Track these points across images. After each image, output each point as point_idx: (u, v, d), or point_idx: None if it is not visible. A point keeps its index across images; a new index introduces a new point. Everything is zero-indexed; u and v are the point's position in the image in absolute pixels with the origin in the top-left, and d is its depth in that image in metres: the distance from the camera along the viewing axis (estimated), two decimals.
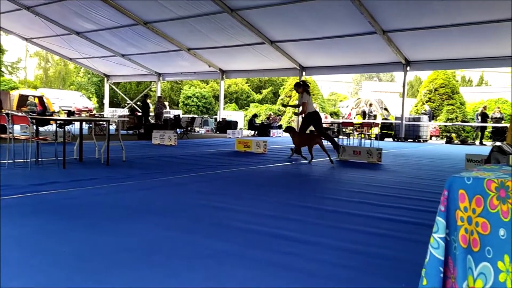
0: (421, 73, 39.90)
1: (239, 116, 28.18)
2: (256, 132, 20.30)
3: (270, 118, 22.14)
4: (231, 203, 4.63)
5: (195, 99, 34.14)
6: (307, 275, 2.57)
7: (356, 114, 22.80)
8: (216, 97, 32.31)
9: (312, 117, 9.64)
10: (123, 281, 2.40)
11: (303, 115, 9.72)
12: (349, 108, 26.81)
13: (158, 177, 6.41)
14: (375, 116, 21.77)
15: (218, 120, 23.28)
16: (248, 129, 21.60)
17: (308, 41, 16.82)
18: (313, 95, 29.71)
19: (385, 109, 27.07)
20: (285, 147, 13.17)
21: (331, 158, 8.93)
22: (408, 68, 17.45)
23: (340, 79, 67.75)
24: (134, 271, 2.55)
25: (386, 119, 23.34)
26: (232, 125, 21.84)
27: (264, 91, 37.63)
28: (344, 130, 16.02)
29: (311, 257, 2.88)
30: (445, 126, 21.82)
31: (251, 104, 34.18)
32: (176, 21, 16.66)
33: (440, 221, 1.66)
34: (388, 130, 20.02)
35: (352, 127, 14.99)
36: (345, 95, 55.01)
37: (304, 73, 20.34)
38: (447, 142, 18.70)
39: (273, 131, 20.11)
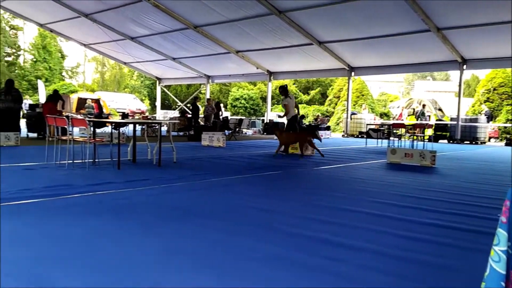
0: (479, 71, 38.03)
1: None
2: None
3: (318, 119, 21.91)
4: (279, 205, 4.63)
5: (243, 101, 34.46)
6: (356, 282, 2.52)
7: (408, 115, 22.05)
8: (264, 99, 32.44)
9: (294, 120, 10.85)
10: (176, 283, 2.46)
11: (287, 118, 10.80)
12: (400, 109, 25.99)
13: (207, 178, 6.52)
14: (428, 117, 20.98)
15: (265, 121, 23.36)
16: None
17: (357, 41, 16.51)
18: (363, 95, 29.13)
19: (439, 109, 26.01)
20: (334, 149, 12.99)
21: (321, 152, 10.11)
22: (465, 66, 16.67)
23: (391, 79, 65.93)
24: (185, 273, 2.61)
25: (440, 120, 22.42)
26: (280, 126, 21.80)
27: (312, 92, 37.34)
28: (395, 131, 15.56)
29: (362, 264, 2.82)
30: (505, 127, 20.63)
31: (299, 105, 34.04)
32: (225, 24, 16.90)
33: (501, 233, 1.57)
34: (443, 131, 19.21)
35: (404, 129, 14.52)
36: (396, 95, 53.42)
37: (353, 73, 19.98)
38: (507, 144, 17.68)
39: (321, 133, 19.88)
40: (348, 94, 21.35)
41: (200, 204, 4.67)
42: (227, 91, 38.23)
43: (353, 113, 21.87)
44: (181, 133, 18.25)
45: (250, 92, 35.63)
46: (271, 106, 26.26)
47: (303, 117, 21.86)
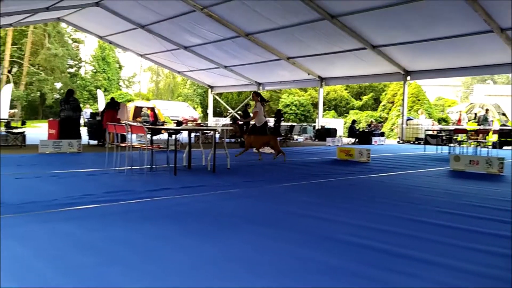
0: None
1: (338, 124, 27.64)
2: (357, 140, 19.69)
3: (372, 125, 21.31)
4: (337, 214, 4.46)
5: (293, 107, 34.29)
6: None
7: (468, 120, 20.91)
8: (315, 105, 32.07)
9: (265, 125, 11.18)
10: None
11: (256, 125, 10.88)
12: (457, 114, 24.72)
13: (261, 185, 6.46)
14: (491, 122, 19.78)
15: (317, 127, 23.07)
16: (348, 136, 21.05)
17: (413, 44, 15.90)
18: (418, 100, 28.07)
19: (503, 114, 24.50)
20: (390, 156, 12.53)
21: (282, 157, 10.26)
22: None
23: (448, 82, 63.07)
24: (243, 281, 2.53)
25: (504, 125, 21.09)
26: (331, 132, 21.46)
27: (365, 98, 36.48)
28: (455, 137, 14.77)
29: (432, 279, 2.61)
30: None
31: (351, 111, 33.36)
32: (276, 31, 16.91)
33: None
34: (508, 137, 18.03)
35: (466, 134, 13.74)
36: (453, 99, 51.06)
37: (408, 77, 19.28)
38: None
39: (375, 139, 19.31)
40: (403, 99, 20.63)
41: (256, 212, 4.60)
42: (277, 97, 38.22)
43: (409, 119, 21.07)
44: (232, 140, 18.39)
45: (301, 98, 35.39)
46: (323, 112, 25.91)
47: (354, 122, 21.37)
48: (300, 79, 22.71)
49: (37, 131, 21.00)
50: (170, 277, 2.57)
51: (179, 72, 27.44)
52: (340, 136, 21.42)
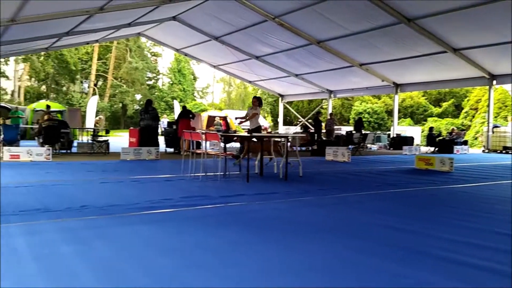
0: None
1: (415, 132, 26.38)
2: (437, 149, 18.61)
3: (453, 133, 20.05)
4: (420, 226, 4.19)
5: (366, 115, 33.34)
6: None
7: None
8: (389, 112, 30.96)
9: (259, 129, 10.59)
10: None
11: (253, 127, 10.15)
12: None
13: (334, 193, 6.28)
14: None
15: (392, 136, 22.18)
16: (427, 145, 19.97)
17: (499, 46, 14.73)
18: (506, 106, 25.99)
19: None
20: (474, 166, 11.66)
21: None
22: None
23: None
24: None
25: None
26: (408, 141, 20.48)
27: (444, 104, 34.50)
28: None
29: None
30: None
31: (429, 119, 31.70)
32: (348, 38, 16.56)
33: None
34: None
35: None
36: None
37: (494, 81, 17.92)
38: None
39: (457, 148, 18.12)
40: (488, 105, 19.17)
41: (331, 220, 4.46)
42: (349, 105, 37.45)
43: (495, 126, 19.52)
44: (303, 148, 18.25)
45: (375, 106, 34.34)
46: (398, 120, 24.89)
47: (431, 129, 20.25)
48: (373, 85, 22.03)
49: (119, 140, 22.37)
50: (249, 283, 2.54)
51: (250, 82, 27.88)
52: (417, 145, 20.37)
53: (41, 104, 24.53)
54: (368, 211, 5.03)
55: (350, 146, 17.40)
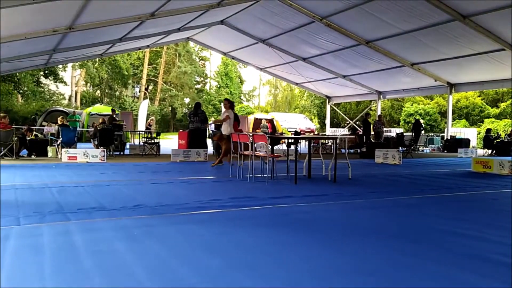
0: None
1: (470, 134, 25.15)
2: (494, 152, 17.63)
3: None
4: (478, 230, 3.95)
5: (418, 117, 32.19)
6: None
7: None
8: (443, 113, 29.72)
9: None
10: None
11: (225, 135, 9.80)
12: None
13: (385, 196, 6.08)
14: None
15: (445, 138, 21.27)
16: (484, 147, 18.98)
17: None
18: None
19: None
20: None
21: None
22: None
23: None
24: None
25: None
26: (463, 143, 19.56)
27: (502, 105, 32.66)
28: None
29: None
30: None
31: (486, 120, 30.12)
32: (399, 37, 16.04)
33: None
34: None
35: None
36: None
37: None
38: None
39: None
40: None
41: (384, 224, 4.30)
42: (399, 106, 36.34)
43: None
44: (351, 150, 17.90)
45: (427, 107, 33.11)
46: (452, 121, 23.85)
47: (489, 131, 19.21)
48: (425, 86, 21.20)
49: (169, 142, 22.97)
50: (297, 284, 2.49)
51: (297, 84, 27.70)
52: (473, 147, 19.41)
53: (96, 108, 25.70)
54: (423, 214, 4.82)
55: (401, 148, 16.88)
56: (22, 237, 3.41)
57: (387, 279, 2.61)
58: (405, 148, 16.95)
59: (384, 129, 20.42)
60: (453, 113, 24.67)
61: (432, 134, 24.84)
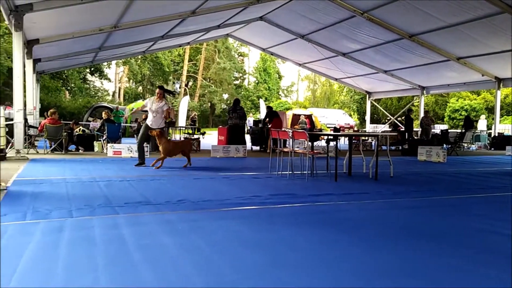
0: None
1: None
2: None
3: None
4: None
5: (463, 112, 31.05)
6: None
7: None
8: (490, 109, 28.49)
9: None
10: None
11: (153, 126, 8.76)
12: None
13: (429, 195, 5.94)
14: None
15: (493, 135, 20.41)
16: None
17: None
18: None
19: None
20: None
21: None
22: None
23: None
24: None
25: None
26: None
27: None
28: None
29: None
30: None
31: None
32: (444, 30, 15.51)
33: None
34: None
35: None
36: None
37: None
38: None
39: None
40: None
41: (429, 224, 4.21)
42: (444, 102, 35.16)
43: None
44: (393, 147, 17.51)
45: (473, 103, 31.85)
46: (500, 117, 22.82)
47: None
48: (471, 81, 20.41)
49: (208, 138, 23.31)
50: (340, 283, 2.50)
51: (336, 79, 27.37)
52: None
53: (138, 104, 26.42)
54: (470, 214, 4.68)
55: (445, 146, 16.35)
56: (75, 229, 3.59)
57: (431, 281, 2.57)
58: (449, 146, 16.40)
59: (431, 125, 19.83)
60: (501, 109, 23.59)
61: (479, 131, 23.90)
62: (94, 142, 12.92)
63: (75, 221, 3.88)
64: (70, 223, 3.79)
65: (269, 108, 15.87)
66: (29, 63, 12.47)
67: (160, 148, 8.52)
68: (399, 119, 26.28)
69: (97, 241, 3.25)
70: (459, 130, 21.29)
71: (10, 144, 10.72)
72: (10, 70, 20.88)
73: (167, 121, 9.17)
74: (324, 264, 2.86)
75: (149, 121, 8.76)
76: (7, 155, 9.87)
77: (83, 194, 5.30)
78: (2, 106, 9.99)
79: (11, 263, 2.69)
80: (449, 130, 17.93)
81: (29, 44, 12.57)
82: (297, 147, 13.92)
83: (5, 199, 4.89)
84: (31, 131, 12.25)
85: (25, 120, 11.38)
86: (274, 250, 3.16)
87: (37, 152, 11.55)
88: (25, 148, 11.09)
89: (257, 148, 15.43)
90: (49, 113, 11.93)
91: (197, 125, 19.41)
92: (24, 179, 6.51)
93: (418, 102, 24.93)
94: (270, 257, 2.99)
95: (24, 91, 10.74)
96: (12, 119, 10.69)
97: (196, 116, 20.82)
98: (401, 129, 18.70)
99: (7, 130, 11.04)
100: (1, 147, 9.62)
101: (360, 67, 22.19)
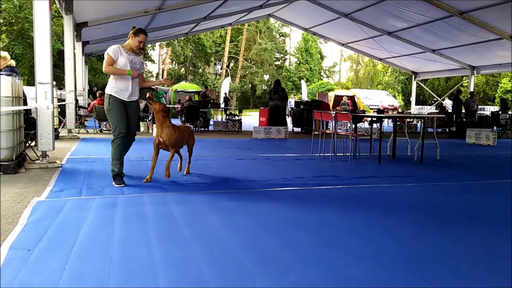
0: None
1: None
2: None
3: None
4: None
5: None
6: None
7: None
8: None
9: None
10: None
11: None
12: None
13: (479, 179, 5.75)
14: None
15: None
16: None
17: None
18: None
19: None
20: None
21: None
22: None
23: None
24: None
25: None
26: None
27: None
28: None
29: None
30: None
31: None
32: (497, 7, 14.63)
33: None
34: None
35: None
36: None
37: None
38: None
39: None
40: None
41: (478, 209, 4.10)
42: (495, 82, 33.44)
43: None
44: (439, 130, 16.95)
45: None
46: None
47: None
48: None
49: (249, 119, 23.43)
50: (387, 265, 2.50)
51: (380, 59, 26.58)
52: None
53: (182, 85, 26.88)
54: None
55: (495, 128, 15.64)
56: (127, 205, 3.77)
57: (482, 266, 2.53)
58: (500, 128, 15.68)
59: (478, 106, 19.01)
60: None
61: None
62: (140, 122, 13.32)
63: (127, 198, 4.07)
64: (122, 200, 3.98)
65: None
66: (78, 46, 12.93)
67: (163, 136, 4.99)
68: (446, 100, 25.30)
69: (148, 217, 3.41)
70: (510, 112, 20.27)
71: (62, 124, 11.25)
72: (60, 53, 21.76)
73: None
74: (371, 246, 2.86)
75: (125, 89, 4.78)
76: (60, 134, 10.38)
77: (133, 172, 5.52)
78: (55, 88, 10.48)
79: (72, 235, 2.88)
80: (500, 113, 17.07)
81: (78, 27, 13.01)
82: (340, 129, 13.76)
83: (61, 175, 5.18)
84: (81, 112, 12.78)
85: (76, 101, 11.88)
86: (320, 230, 3.19)
87: (87, 131, 12.07)
88: (76, 127, 11.61)
89: (299, 129, 15.37)
90: (97, 94, 12.38)
91: (231, 105, 19.45)
92: (77, 157, 6.85)
93: (467, 82, 23.86)
94: (317, 237, 3.03)
95: (75, 73, 11.18)
96: (64, 100, 11.20)
97: (228, 96, 20.70)
98: (449, 111, 18.04)
99: (59, 110, 11.59)
100: (55, 126, 10.12)
101: (406, 47, 21.41)
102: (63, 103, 11.21)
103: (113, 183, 4.67)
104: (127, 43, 4.83)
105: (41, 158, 5.90)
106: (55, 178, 4.99)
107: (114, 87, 4.72)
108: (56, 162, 6.01)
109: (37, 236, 2.85)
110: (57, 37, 22.94)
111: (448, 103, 22.38)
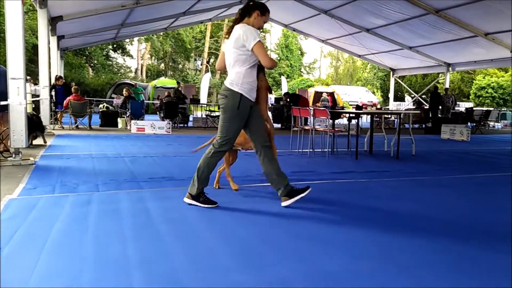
0: None
1: None
2: None
3: None
4: None
5: (490, 90, 30.24)
6: None
7: None
8: None
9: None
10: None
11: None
12: None
13: (454, 174, 5.88)
14: None
15: None
16: None
17: None
18: None
19: None
20: None
21: None
22: None
23: None
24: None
25: None
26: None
27: None
28: None
29: None
30: None
31: None
32: (471, 4, 14.95)
33: None
34: None
35: None
36: None
37: None
38: None
39: None
40: None
41: (453, 202, 4.20)
42: (470, 79, 34.22)
43: None
44: (416, 126, 17.26)
45: (500, 80, 30.91)
46: None
47: None
48: (499, 57, 19.70)
49: None
50: (367, 258, 2.54)
51: (359, 56, 26.86)
52: None
53: (161, 81, 26.61)
54: (499, 193, 4.63)
55: (469, 124, 16.03)
56: (102, 202, 3.72)
57: (458, 258, 2.59)
58: (474, 124, 16.07)
59: (456, 103, 19.40)
60: None
61: (505, 109, 23.27)
62: (118, 118, 13.15)
63: (102, 195, 4.02)
64: (97, 197, 3.92)
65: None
66: (53, 40, 12.66)
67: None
68: (423, 96, 25.75)
69: (124, 214, 3.37)
70: (484, 108, 20.78)
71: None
72: (34, 47, 21.25)
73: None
74: (349, 239, 2.90)
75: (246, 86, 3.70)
76: None
77: (109, 169, 5.45)
78: (28, 83, 10.24)
79: (44, 233, 2.82)
80: (474, 108, 17.49)
81: (53, 21, 12.72)
82: (318, 125, 13.87)
83: (34, 173, 5.07)
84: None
85: (51, 96, 11.64)
86: (295, 226, 3.20)
87: (63, 128, 11.84)
88: (51, 124, 11.38)
89: (278, 126, 15.41)
90: (72, 89, 12.14)
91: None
92: (52, 154, 6.72)
93: (443, 79, 24.34)
94: (294, 232, 3.04)
95: (49, 68, 10.94)
96: (38, 96, 10.96)
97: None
98: (425, 107, 18.38)
99: (33, 106, 11.34)
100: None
101: (385, 43, 21.69)
102: (37, 98, 10.96)
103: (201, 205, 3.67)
104: (244, 23, 3.81)
105: (13, 155, 5.76)
106: (28, 175, 4.89)
107: (246, 84, 3.56)
108: (29, 159, 5.89)
109: (8, 234, 2.79)
110: (31, 31, 22.40)
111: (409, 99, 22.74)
